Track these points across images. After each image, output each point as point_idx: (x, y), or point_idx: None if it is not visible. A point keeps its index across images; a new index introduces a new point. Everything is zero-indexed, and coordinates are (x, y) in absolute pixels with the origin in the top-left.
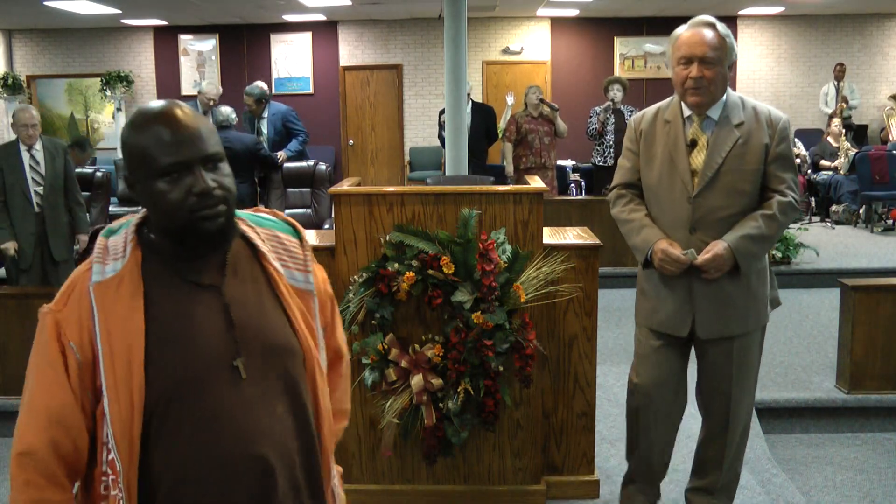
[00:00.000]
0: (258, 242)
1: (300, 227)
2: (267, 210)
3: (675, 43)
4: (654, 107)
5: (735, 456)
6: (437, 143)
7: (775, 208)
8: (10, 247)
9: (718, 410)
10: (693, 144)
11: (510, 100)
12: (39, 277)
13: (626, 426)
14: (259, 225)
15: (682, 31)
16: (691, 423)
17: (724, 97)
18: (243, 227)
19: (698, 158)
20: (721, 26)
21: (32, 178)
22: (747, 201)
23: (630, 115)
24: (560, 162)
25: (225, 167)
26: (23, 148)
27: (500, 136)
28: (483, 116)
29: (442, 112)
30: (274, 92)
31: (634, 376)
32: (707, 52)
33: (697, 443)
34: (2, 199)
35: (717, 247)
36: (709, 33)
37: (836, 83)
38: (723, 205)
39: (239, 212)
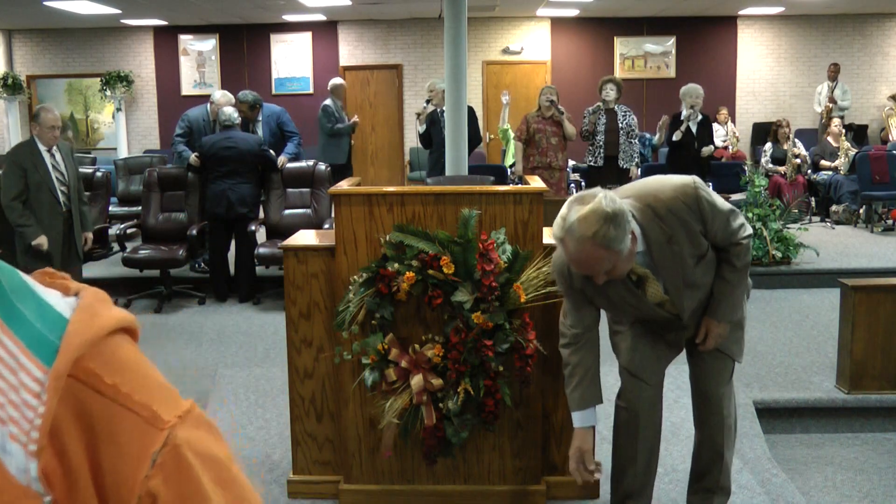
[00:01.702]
0: None
1: (79, 334)
2: (63, 283)
3: (565, 251)
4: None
5: (729, 448)
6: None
7: (735, 261)
8: (44, 241)
9: (715, 413)
10: (641, 283)
11: (505, 99)
12: None
13: (615, 445)
14: (10, 326)
15: (564, 238)
16: (689, 425)
17: (635, 228)
18: None
19: (656, 290)
20: (599, 234)
21: (57, 178)
22: (713, 273)
23: (624, 116)
24: None
25: None
26: (43, 149)
27: (482, 137)
28: None
29: (420, 113)
30: (274, 92)
31: (621, 400)
32: (598, 269)
33: (695, 448)
34: (24, 199)
35: (713, 329)
36: (590, 251)
37: (829, 83)
38: (699, 296)
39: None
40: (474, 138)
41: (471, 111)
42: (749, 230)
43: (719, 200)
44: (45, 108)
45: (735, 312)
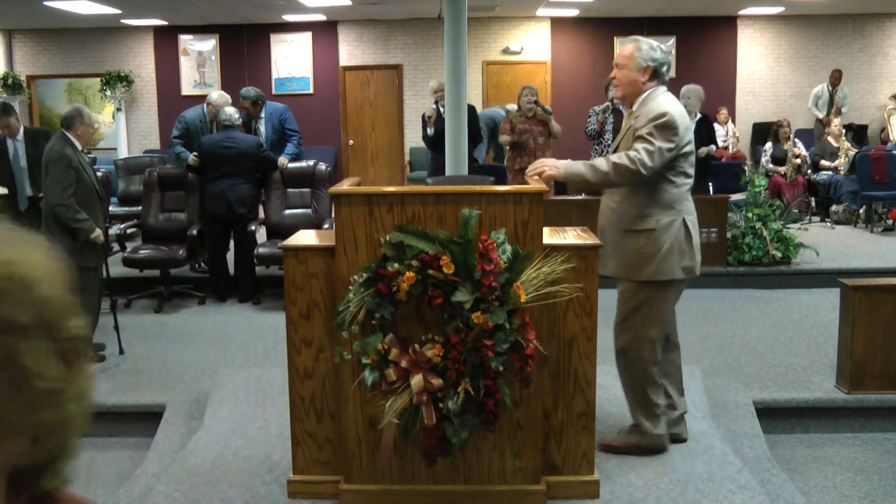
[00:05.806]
0: None
1: None
2: None
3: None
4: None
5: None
6: None
7: (624, 156)
8: (101, 234)
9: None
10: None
11: (511, 108)
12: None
13: (643, 372)
14: None
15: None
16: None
17: (645, 96)
18: None
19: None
20: (642, 42)
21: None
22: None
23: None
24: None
25: None
26: (79, 147)
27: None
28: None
29: (430, 116)
30: (274, 92)
31: (653, 332)
32: (616, 59)
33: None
34: (75, 197)
35: (549, 162)
36: (626, 46)
37: (829, 87)
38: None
39: None
40: (477, 137)
41: (471, 109)
42: (646, 160)
43: (662, 140)
44: (83, 106)
45: (576, 178)
